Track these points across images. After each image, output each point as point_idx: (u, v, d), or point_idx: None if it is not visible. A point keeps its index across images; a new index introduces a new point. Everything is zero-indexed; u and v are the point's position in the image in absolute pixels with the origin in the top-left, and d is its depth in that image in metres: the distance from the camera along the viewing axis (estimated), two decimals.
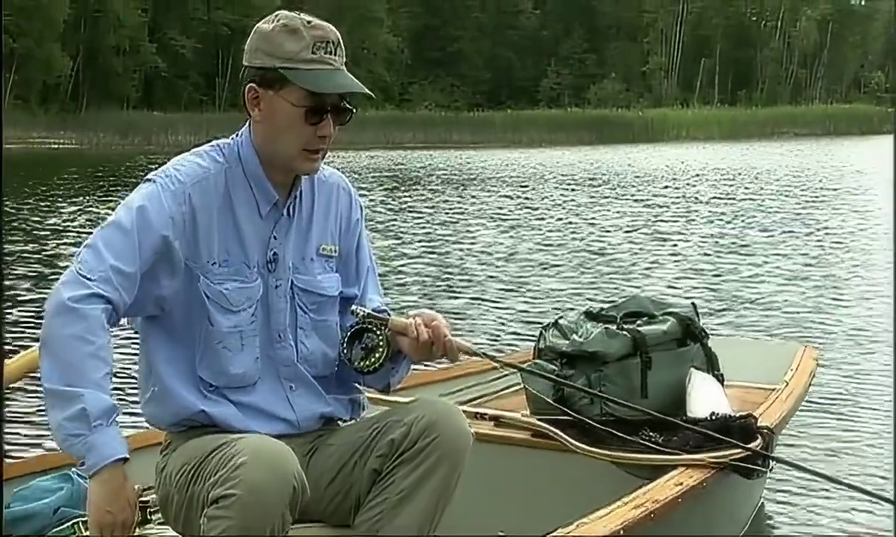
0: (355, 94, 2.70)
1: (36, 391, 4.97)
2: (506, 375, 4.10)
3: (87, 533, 2.73)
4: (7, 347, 5.37)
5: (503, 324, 8.45)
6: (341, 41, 2.68)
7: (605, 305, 4.10)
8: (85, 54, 63.67)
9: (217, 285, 2.65)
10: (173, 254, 2.61)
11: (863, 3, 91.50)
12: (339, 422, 2.84)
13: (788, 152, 40.46)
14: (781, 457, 3.74)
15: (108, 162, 34.57)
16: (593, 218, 16.82)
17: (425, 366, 3.91)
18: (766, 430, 3.47)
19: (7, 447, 4.56)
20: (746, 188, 22.73)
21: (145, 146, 46.78)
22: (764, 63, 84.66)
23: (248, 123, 2.73)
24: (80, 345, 2.46)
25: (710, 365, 3.85)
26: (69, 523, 3.07)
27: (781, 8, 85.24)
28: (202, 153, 2.72)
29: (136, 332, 2.74)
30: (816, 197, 20.49)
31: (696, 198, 20.53)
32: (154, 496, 2.74)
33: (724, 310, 8.95)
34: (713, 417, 3.45)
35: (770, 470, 3.68)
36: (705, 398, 3.61)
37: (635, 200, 20.07)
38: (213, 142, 2.75)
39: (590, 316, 3.95)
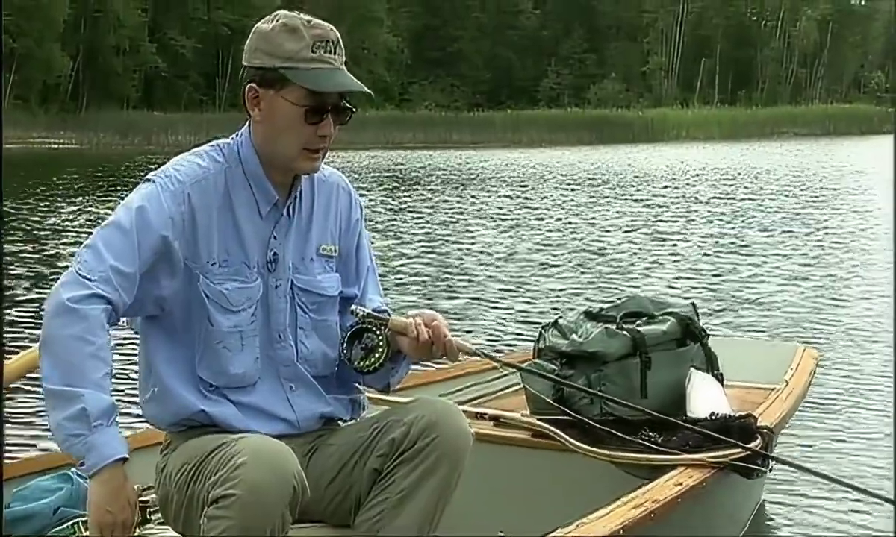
0: (355, 93, 2.71)
1: (36, 391, 4.98)
2: (505, 375, 4.10)
3: (87, 532, 2.73)
4: (6, 347, 5.37)
5: (503, 323, 8.45)
6: (341, 40, 2.68)
7: (605, 305, 4.10)
8: (85, 54, 63.67)
9: (217, 285, 2.65)
10: (173, 254, 2.61)
11: (863, 3, 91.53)
12: (339, 422, 2.84)
13: (788, 152, 40.47)
14: (781, 457, 3.74)
15: (108, 162, 34.57)
16: (593, 218, 16.82)
17: (425, 365, 3.92)
18: (765, 430, 3.47)
19: (7, 447, 4.55)
20: (746, 188, 22.74)
21: (145, 146, 46.78)
22: (764, 63, 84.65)
23: (247, 123, 2.72)
24: (80, 346, 2.46)
25: (710, 365, 3.85)
26: (69, 523, 3.07)
27: (781, 8, 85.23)
28: (202, 153, 2.72)
29: (135, 332, 2.74)
30: (816, 197, 20.49)
31: (696, 198, 20.54)
32: (154, 496, 2.74)
33: (723, 309, 8.95)
34: (713, 417, 3.45)
35: (770, 470, 3.68)
36: (705, 398, 3.62)
37: (635, 200, 20.07)
38: (213, 143, 2.75)
39: (589, 316, 3.95)
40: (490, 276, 10.96)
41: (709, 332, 3.98)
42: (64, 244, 13.32)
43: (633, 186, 23.61)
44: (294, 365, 2.75)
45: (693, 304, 4.04)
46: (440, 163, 34.89)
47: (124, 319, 2.64)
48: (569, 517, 2.84)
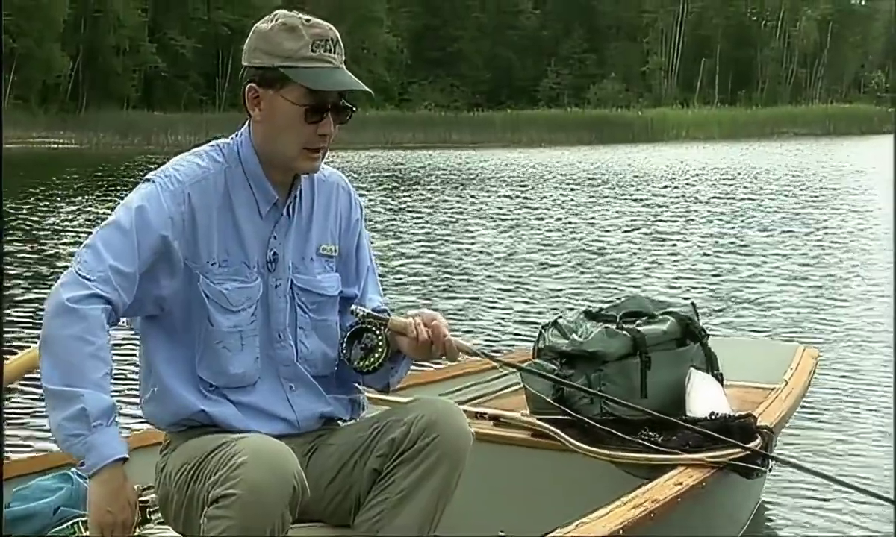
0: (355, 92, 2.70)
1: (35, 391, 4.97)
2: (505, 375, 4.10)
3: (87, 532, 2.73)
4: (6, 347, 5.37)
5: (502, 323, 8.45)
6: (340, 39, 2.68)
7: (605, 305, 4.10)
8: (85, 54, 63.68)
9: (217, 285, 2.65)
10: (172, 254, 2.61)
11: (863, 3, 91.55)
12: (339, 422, 2.84)
13: (788, 152, 40.46)
14: (781, 457, 3.74)
15: (108, 162, 34.57)
16: (593, 218, 16.82)
17: (425, 365, 3.92)
18: (765, 430, 3.47)
19: (7, 447, 4.56)
20: (746, 188, 22.74)
21: (145, 146, 46.78)
22: (764, 63, 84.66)
23: (247, 123, 2.72)
24: (80, 346, 2.46)
25: (710, 364, 3.85)
26: (69, 523, 3.07)
27: (781, 8, 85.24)
28: (201, 153, 2.72)
29: (135, 332, 2.74)
30: (816, 197, 20.49)
31: (696, 197, 20.54)
32: (154, 495, 2.74)
33: (723, 309, 8.95)
34: (713, 417, 3.45)
35: (769, 470, 3.68)
36: (705, 398, 3.62)
37: (635, 200, 20.07)
38: (213, 143, 2.75)
39: (589, 315, 3.95)
40: (489, 276, 10.96)
41: (708, 332, 3.98)
42: (63, 244, 13.32)
43: (632, 186, 23.61)
44: (294, 364, 2.75)
45: (693, 304, 4.04)
46: (440, 163, 34.89)
47: (124, 319, 2.64)
48: (568, 517, 2.84)
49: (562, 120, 59.39)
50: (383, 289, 3.00)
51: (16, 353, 3.29)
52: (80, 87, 63.28)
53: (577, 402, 3.64)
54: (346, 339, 2.77)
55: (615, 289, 9.92)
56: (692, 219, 16.48)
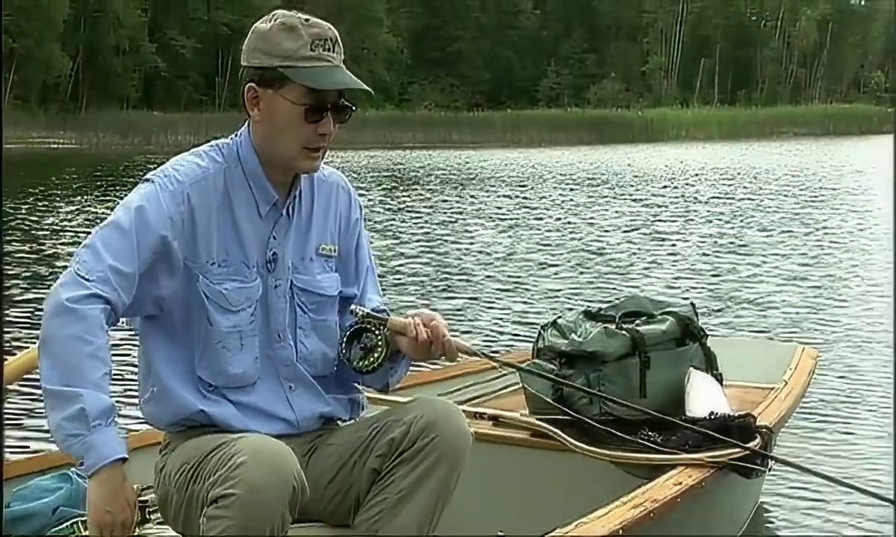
0: (354, 91, 2.70)
1: (34, 391, 4.97)
2: (505, 375, 4.10)
3: (87, 532, 2.73)
4: (5, 347, 5.37)
5: (502, 323, 8.45)
6: (339, 39, 2.68)
7: (604, 305, 4.10)
8: (85, 54, 63.66)
9: (216, 285, 2.65)
10: (172, 254, 2.61)
11: (863, 3, 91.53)
12: (339, 422, 2.84)
13: (788, 152, 40.46)
14: (780, 457, 3.73)
15: (108, 162, 34.57)
16: (592, 218, 16.82)
17: (424, 365, 3.92)
18: (764, 430, 3.47)
19: (6, 447, 4.55)
20: (745, 188, 22.74)
21: (145, 146, 46.77)
22: (764, 63, 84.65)
23: (247, 123, 2.72)
24: (79, 346, 2.46)
25: (709, 364, 3.85)
26: (68, 523, 3.07)
27: (781, 8, 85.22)
28: (201, 153, 2.72)
29: (135, 332, 2.74)
30: (815, 197, 20.49)
31: (695, 197, 20.54)
32: (153, 495, 2.75)
33: (722, 309, 8.95)
34: (712, 417, 3.45)
35: (769, 470, 3.68)
36: (704, 397, 3.62)
37: (634, 200, 20.07)
38: (213, 143, 2.75)
39: (589, 315, 3.95)
40: (489, 276, 10.96)
41: (708, 332, 3.98)
42: (63, 244, 13.32)
43: (632, 186, 23.61)
44: (293, 364, 2.75)
45: (692, 304, 4.04)
46: (439, 163, 34.89)
47: (123, 319, 2.64)
48: (568, 517, 2.84)
49: (562, 120, 59.38)
50: (383, 289, 3.00)
51: (15, 354, 3.29)
52: (79, 87, 63.26)
53: (576, 402, 3.64)
54: (345, 339, 2.77)
55: (614, 289, 9.92)
56: (692, 219, 16.48)
